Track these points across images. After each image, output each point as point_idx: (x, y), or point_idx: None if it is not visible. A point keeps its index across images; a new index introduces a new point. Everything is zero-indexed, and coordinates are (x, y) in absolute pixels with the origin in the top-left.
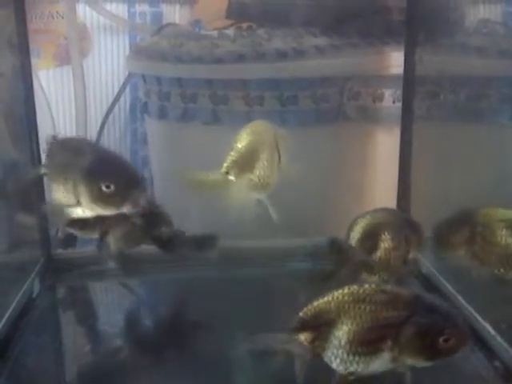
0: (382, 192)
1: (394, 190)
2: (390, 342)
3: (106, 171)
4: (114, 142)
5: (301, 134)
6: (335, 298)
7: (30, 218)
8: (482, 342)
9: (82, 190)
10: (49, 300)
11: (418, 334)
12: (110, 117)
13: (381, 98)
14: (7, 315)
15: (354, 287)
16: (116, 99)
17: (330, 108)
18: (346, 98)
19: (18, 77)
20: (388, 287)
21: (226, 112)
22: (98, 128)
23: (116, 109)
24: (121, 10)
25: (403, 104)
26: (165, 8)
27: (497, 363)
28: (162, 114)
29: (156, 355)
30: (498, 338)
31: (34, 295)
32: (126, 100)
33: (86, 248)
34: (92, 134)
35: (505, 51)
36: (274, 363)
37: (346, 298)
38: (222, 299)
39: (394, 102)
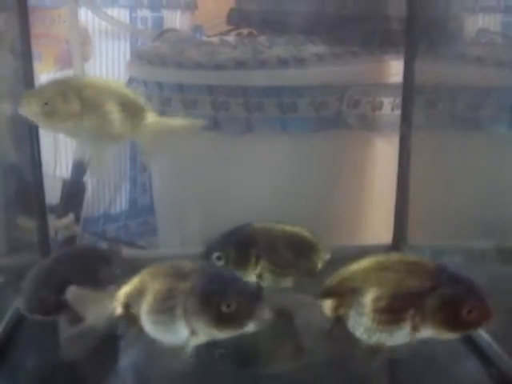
0: (380, 199)
1: (392, 197)
2: (412, 311)
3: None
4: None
5: (300, 140)
6: (361, 266)
7: (30, 220)
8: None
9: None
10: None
11: (441, 304)
12: None
13: (380, 106)
14: (6, 319)
15: (380, 256)
16: None
17: (329, 115)
18: (346, 105)
19: (20, 81)
20: (413, 256)
21: (226, 118)
22: None
23: None
24: (122, 14)
25: (402, 112)
26: (166, 13)
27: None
28: None
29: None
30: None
31: None
32: None
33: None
34: None
35: (504, 61)
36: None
37: (371, 265)
38: None
39: (392, 110)
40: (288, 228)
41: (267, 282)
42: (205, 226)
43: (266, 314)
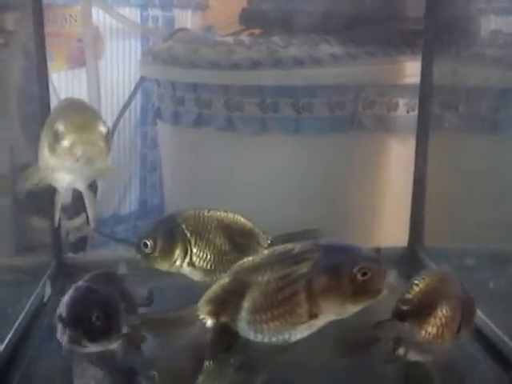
0: (396, 202)
1: (408, 200)
2: (303, 295)
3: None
4: (124, 145)
5: (315, 141)
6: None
7: (42, 221)
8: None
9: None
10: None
11: (328, 275)
12: (121, 120)
13: (395, 107)
14: (19, 320)
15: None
16: (127, 103)
17: (345, 116)
18: (362, 106)
19: (33, 79)
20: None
21: (240, 118)
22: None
23: (126, 113)
24: (133, 14)
25: (419, 114)
26: (177, 13)
27: None
28: (176, 119)
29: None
30: None
31: (46, 299)
32: (136, 104)
33: (96, 252)
34: None
35: None
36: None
37: (244, 267)
38: None
39: (408, 112)
40: (221, 214)
41: (200, 272)
42: None
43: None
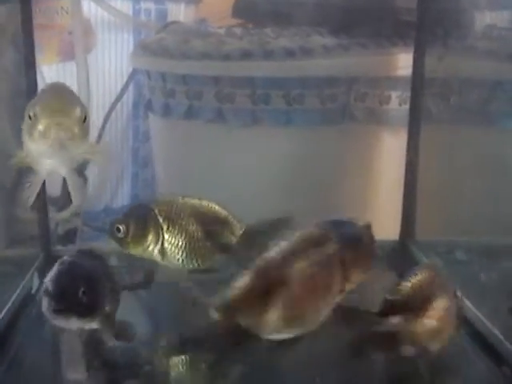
0: (387, 195)
1: (400, 193)
2: (338, 273)
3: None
4: (116, 139)
5: (307, 133)
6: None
7: (30, 212)
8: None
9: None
10: None
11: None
12: (113, 114)
13: (387, 100)
14: (5, 311)
15: None
16: (119, 96)
17: (336, 108)
18: (353, 98)
19: (22, 72)
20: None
21: (231, 110)
22: (100, 125)
23: (118, 106)
24: (125, 6)
25: (411, 106)
26: (170, 6)
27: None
28: (166, 112)
29: (157, 360)
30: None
31: (33, 291)
32: (128, 97)
33: (85, 244)
34: (93, 131)
35: None
36: None
37: None
38: None
39: (400, 105)
40: (196, 202)
41: (172, 259)
42: None
43: None
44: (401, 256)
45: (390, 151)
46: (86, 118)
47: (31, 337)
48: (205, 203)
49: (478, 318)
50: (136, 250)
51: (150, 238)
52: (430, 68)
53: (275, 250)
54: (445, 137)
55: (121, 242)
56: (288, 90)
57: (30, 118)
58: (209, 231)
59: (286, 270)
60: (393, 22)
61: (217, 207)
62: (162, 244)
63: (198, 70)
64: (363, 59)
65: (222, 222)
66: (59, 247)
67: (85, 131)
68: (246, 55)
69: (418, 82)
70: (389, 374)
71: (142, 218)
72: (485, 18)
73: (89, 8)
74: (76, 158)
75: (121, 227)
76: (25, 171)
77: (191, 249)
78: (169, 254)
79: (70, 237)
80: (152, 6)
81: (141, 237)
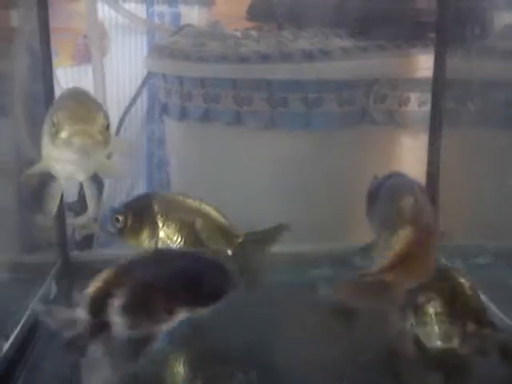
0: None
1: None
2: None
3: None
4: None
5: (325, 136)
6: None
7: (48, 218)
8: None
9: None
10: (65, 303)
11: None
12: (127, 117)
13: (407, 101)
14: (24, 319)
15: None
16: (134, 100)
17: (355, 111)
18: (372, 101)
19: (37, 76)
20: None
21: (249, 113)
22: (115, 129)
23: (133, 109)
24: (139, 9)
25: (432, 108)
26: (183, 9)
27: None
28: (183, 115)
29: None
30: None
31: (51, 298)
32: (142, 100)
33: (102, 250)
34: None
35: None
36: None
37: None
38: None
39: (419, 107)
40: (196, 204)
41: None
42: None
43: None
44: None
45: (410, 153)
46: (108, 125)
47: (51, 345)
48: (205, 208)
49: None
50: (132, 242)
51: (146, 232)
52: (451, 69)
53: None
54: (466, 139)
55: (119, 232)
56: (306, 93)
57: (53, 124)
58: (199, 238)
59: None
60: (412, 23)
61: (215, 214)
62: (157, 240)
63: (216, 72)
64: (382, 61)
65: (216, 230)
66: (76, 253)
67: (107, 138)
68: (264, 58)
69: (438, 83)
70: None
71: (140, 211)
72: (504, 18)
73: (102, 11)
74: (95, 165)
75: (120, 218)
76: (43, 177)
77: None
78: None
79: (87, 242)
80: (166, 8)
81: (137, 229)
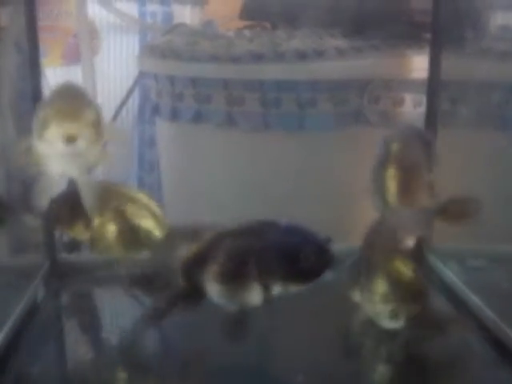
0: None
1: None
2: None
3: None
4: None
5: (319, 137)
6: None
7: (35, 220)
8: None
9: None
10: (53, 306)
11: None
12: (118, 118)
13: (401, 102)
14: (10, 322)
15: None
16: (125, 100)
17: (349, 112)
18: (367, 101)
19: (26, 75)
20: None
21: (241, 114)
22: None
23: (124, 110)
24: (131, 8)
25: (427, 109)
26: (176, 8)
27: None
28: (174, 116)
29: (159, 367)
30: None
31: (39, 300)
32: (134, 101)
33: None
34: None
35: None
36: None
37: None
38: None
39: (414, 107)
40: (133, 194)
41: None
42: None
43: None
44: (416, 263)
45: None
46: (98, 121)
47: (37, 350)
48: (142, 197)
49: (497, 325)
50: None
51: (80, 222)
52: (446, 70)
53: None
54: (460, 141)
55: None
56: (299, 94)
57: (40, 121)
58: (133, 227)
59: None
60: (407, 23)
61: (152, 205)
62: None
63: (208, 72)
64: (376, 61)
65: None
66: (64, 255)
67: (98, 135)
68: (257, 57)
69: (433, 84)
70: None
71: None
72: (498, 19)
73: (93, 10)
74: (89, 161)
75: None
76: (33, 177)
77: (116, 241)
78: (95, 242)
79: (75, 244)
80: (158, 8)
81: (71, 220)
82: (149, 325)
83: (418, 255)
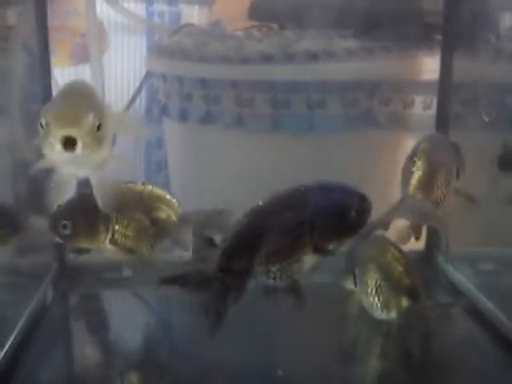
0: None
1: None
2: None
3: None
4: (128, 145)
5: (328, 139)
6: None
7: (44, 221)
8: None
9: None
10: (62, 308)
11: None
12: None
13: (411, 104)
14: (20, 324)
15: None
16: (132, 100)
17: (359, 113)
18: (377, 103)
19: (34, 75)
20: None
21: (250, 115)
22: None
23: (131, 110)
24: (139, 8)
25: (438, 111)
26: (183, 8)
27: None
28: (183, 116)
29: (169, 368)
30: None
31: (48, 302)
32: (141, 101)
33: (100, 254)
34: None
35: None
36: None
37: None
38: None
39: (424, 109)
40: (140, 188)
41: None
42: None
43: None
44: (427, 267)
45: None
46: (99, 125)
47: (46, 351)
48: (149, 189)
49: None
50: (84, 244)
51: (99, 231)
52: (457, 72)
53: None
54: (472, 143)
55: (67, 238)
56: (309, 95)
57: (42, 125)
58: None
59: None
60: (418, 24)
61: (159, 191)
62: (112, 235)
63: (217, 73)
64: (387, 63)
65: (165, 204)
66: (73, 257)
67: (100, 138)
68: (267, 58)
69: (444, 86)
70: None
71: (88, 211)
72: (505, 20)
73: (101, 10)
74: (100, 157)
75: (68, 224)
76: (40, 177)
77: (139, 238)
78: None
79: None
80: (166, 7)
81: (89, 231)
82: (215, 331)
83: (427, 257)
